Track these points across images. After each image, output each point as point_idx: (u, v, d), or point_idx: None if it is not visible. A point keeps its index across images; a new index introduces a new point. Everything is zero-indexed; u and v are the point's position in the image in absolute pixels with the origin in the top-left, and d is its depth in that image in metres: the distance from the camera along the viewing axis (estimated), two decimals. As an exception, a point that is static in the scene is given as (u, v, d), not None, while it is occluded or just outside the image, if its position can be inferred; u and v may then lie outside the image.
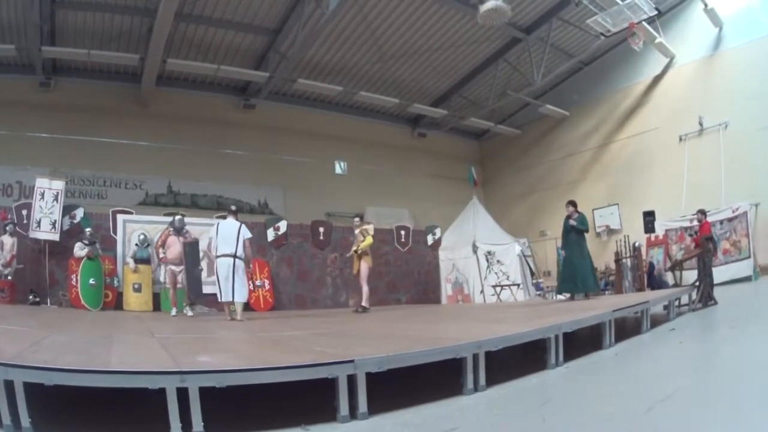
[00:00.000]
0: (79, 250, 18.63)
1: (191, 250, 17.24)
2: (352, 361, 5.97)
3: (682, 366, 8.52)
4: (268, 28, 24.71)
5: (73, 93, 24.88)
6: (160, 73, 24.87)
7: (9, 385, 5.20)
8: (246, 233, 14.98)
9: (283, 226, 23.76)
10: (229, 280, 14.24)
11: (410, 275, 26.52)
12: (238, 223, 15.11)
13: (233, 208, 15.86)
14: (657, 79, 28.24)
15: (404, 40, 26.66)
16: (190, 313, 16.76)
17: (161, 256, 17.59)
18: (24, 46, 22.10)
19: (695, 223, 20.41)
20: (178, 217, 18.32)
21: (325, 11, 21.10)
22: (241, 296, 14.54)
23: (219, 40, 24.94)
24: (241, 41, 25.30)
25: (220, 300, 14.85)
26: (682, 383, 7.01)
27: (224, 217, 15.88)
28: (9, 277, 17.54)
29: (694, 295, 15.68)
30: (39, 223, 18.70)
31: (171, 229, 17.80)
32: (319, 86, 27.51)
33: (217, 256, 14.54)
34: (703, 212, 18.96)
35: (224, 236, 14.62)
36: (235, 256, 14.41)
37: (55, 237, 18.96)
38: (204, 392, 5.30)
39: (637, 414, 5.63)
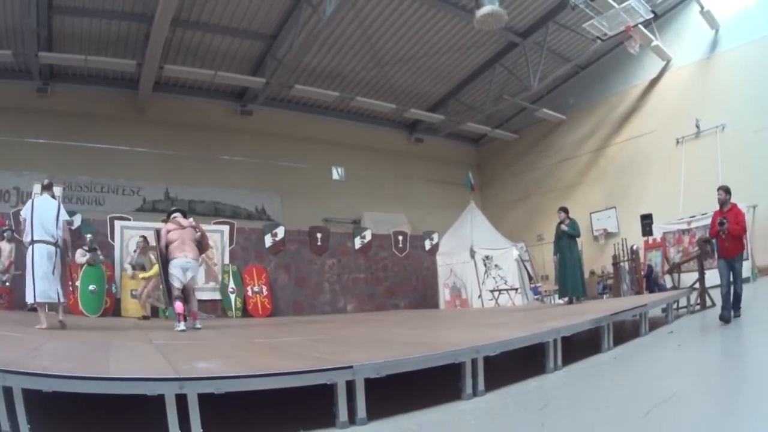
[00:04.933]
0: (81, 257, 18.58)
1: None
2: (350, 366, 6.02)
3: (681, 369, 8.55)
4: (264, 33, 24.71)
5: (71, 99, 24.86)
6: (158, 79, 24.84)
7: (7, 392, 5.22)
8: (64, 214, 12.19)
9: (280, 232, 23.85)
10: (49, 274, 11.53)
11: (408, 281, 26.60)
12: (56, 202, 12.42)
13: (46, 181, 12.86)
14: (654, 82, 28.23)
15: (400, 46, 26.69)
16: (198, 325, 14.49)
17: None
18: (21, 51, 22.06)
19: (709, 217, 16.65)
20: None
21: (321, 17, 21.12)
22: (63, 295, 11.97)
23: (216, 46, 24.94)
24: (237, 47, 25.33)
25: (33, 301, 11.56)
26: (680, 386, 7.03)
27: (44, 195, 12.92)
28: (7, 284, 17.50)
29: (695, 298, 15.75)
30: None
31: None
32: (315, 92, 27.47)
33: (35, 241, 11.58)
34: (727, 190, 14.19)
35: (42, 218, 11.76)
36: (56, 245, 11.81)
37: (53, 243, 18.94)
38: (202, 398, 5.32)
39: (635, 418, 5.67)
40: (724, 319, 12.49)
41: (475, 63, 29.37)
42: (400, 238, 26.89)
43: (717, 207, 13.98)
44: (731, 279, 13.36)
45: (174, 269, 12.83)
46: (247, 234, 23.50)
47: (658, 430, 5.31)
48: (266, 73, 25.83)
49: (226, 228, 22.91)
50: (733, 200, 13.90)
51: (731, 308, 12.93)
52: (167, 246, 13.21)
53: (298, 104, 30.58)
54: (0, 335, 9.73)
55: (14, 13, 20.64)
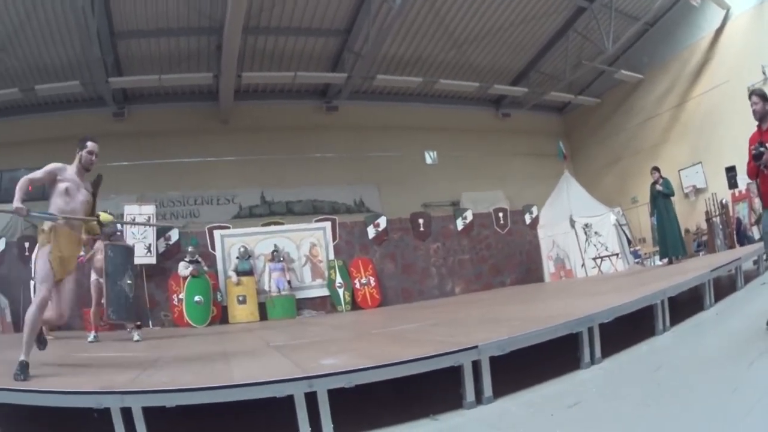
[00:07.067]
0: (184, 269, 19.21)
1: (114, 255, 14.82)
2: (476, 347, 6.16)
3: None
4: (338, 29, 24.86)
5: (150, 118, 25.29)
6: (237, 88, 25.06)
7: (126, 413, 5.32)
8: None
9: (382, 222, 24.40)
10: None
11: (512, 257, 26.84)
12: None
13: None
14: (719, 33, 27.55)
15: (474, 23, 26.64)
16: (136, 338, 14.04)
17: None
18: (89, 80, 22.44)
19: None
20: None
21: (392, 5, 21.16)
22: None
23: (291, 48, 25.16)
24: (313, 46, 25.49)
25: None
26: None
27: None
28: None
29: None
30: (133, 248, 19.14)
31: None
32: (398, 80, 27.64)
33: None
34: (763, 95, 9.13)
35: None
36: None
37: (152, 260, 19.54)
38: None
39: (740, 370, 5.82)
40: None
41: (549, 31, 29.15)
42: (501, 214, 27.22)
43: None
44: None
45: None
46: (350, 228, 24.06)
47: (762, 381, 5.47)
48: (346, 67, 25.99)
49: (327, 224, 23.47)
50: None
51: None
52: None
53: (382, 94, 30.58)
54: (111, 357, 10.09)
55: (75, 44, 21.05)
